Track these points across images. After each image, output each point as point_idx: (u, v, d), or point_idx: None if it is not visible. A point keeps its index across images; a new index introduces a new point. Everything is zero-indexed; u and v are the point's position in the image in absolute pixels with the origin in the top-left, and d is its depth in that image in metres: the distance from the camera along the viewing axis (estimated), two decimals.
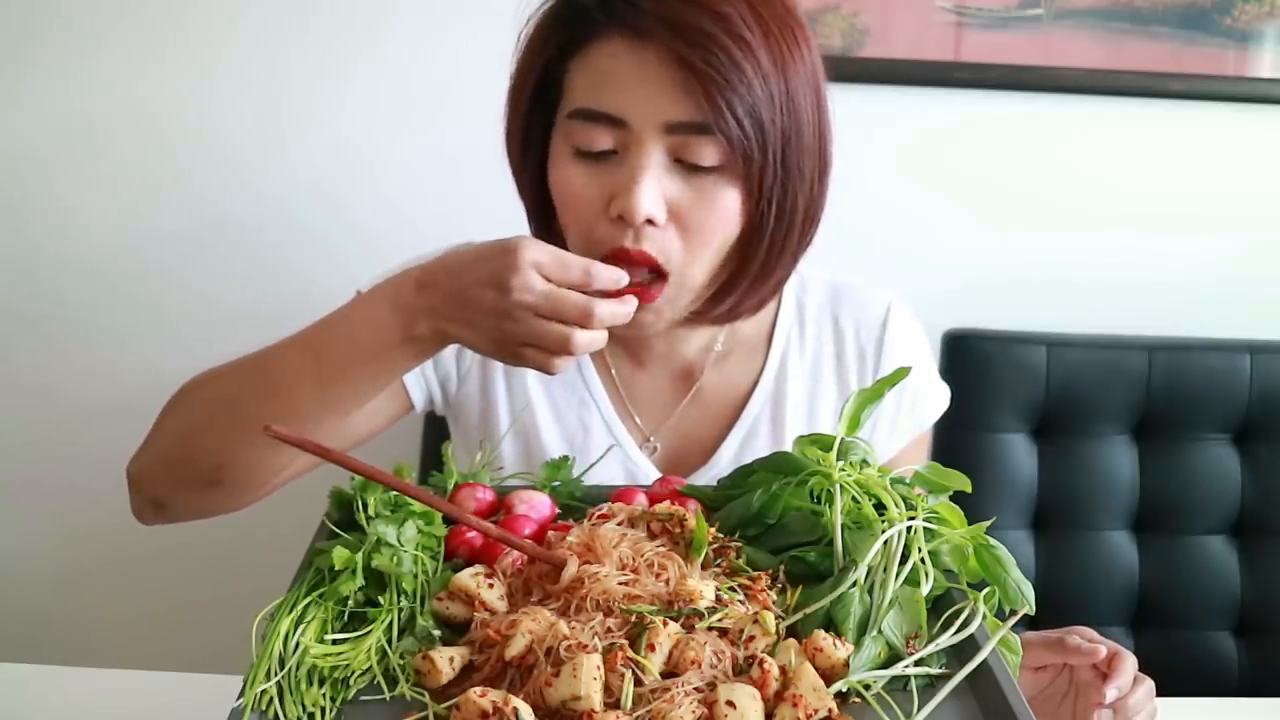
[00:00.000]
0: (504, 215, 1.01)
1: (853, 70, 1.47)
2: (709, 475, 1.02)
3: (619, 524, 0.73)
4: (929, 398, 1.09)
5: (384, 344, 0.81)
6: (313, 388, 0.83)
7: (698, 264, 0.89)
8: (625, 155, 0.86)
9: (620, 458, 1.03)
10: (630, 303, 0.80)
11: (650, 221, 0.85)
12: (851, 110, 1.48)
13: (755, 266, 0.91)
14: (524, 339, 0.78)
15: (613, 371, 1.05)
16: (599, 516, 0.75)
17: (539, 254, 0.77)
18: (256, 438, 0.81)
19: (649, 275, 0.88)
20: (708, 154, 0.85)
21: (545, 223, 0.96)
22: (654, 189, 0.84)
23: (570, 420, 1.04)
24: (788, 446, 1.01)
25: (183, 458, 0.88)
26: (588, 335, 0.78)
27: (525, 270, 0.76)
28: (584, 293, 0.78)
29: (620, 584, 0.66)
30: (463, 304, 0.78)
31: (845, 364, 1.06)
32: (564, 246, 0.94)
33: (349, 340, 0.82)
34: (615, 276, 0.79)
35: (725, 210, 0.87)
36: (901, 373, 0.80)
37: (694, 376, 1.05)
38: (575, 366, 1.05)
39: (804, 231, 0.92)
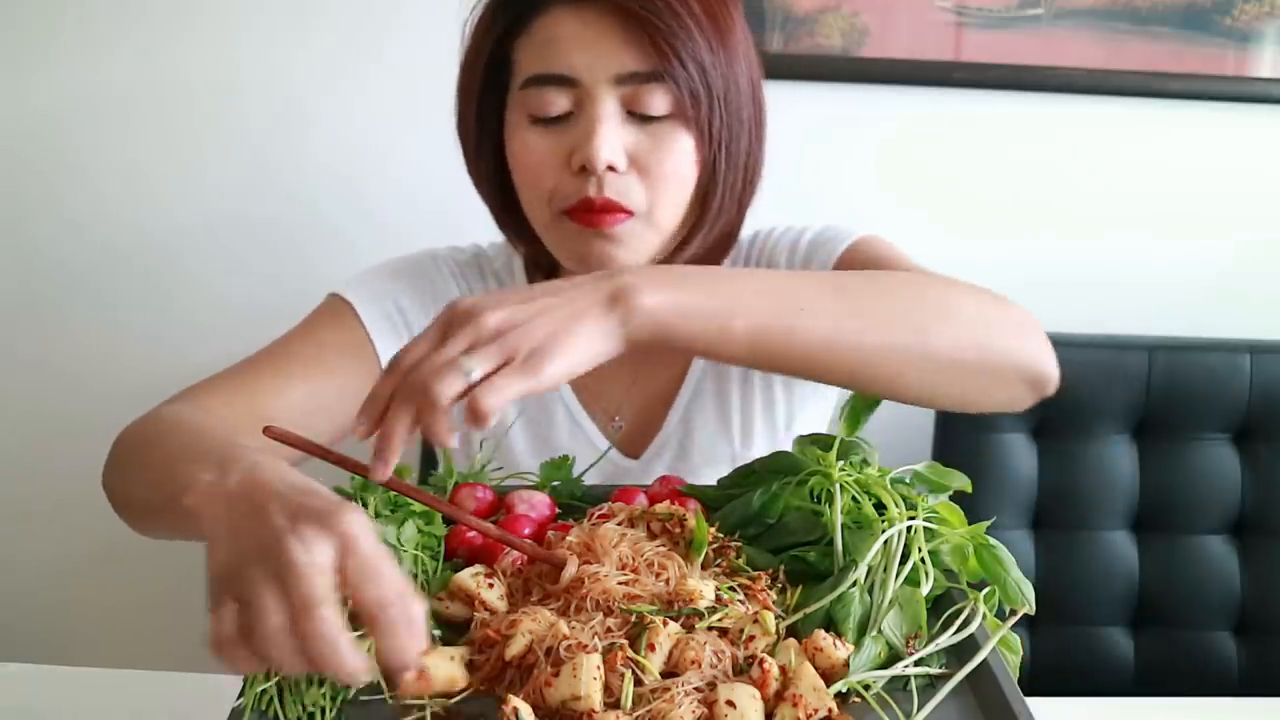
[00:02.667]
0: None
1: (853, 70, 1.47)
2: (662, 440, 1.04)
3: (619, 524, 0.73)
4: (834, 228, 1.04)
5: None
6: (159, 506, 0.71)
7: (662, 205, 0.91)
8: (580, 113, 0.89)
9: (585, 444, 1.04)
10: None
11: (611, 169, 0.88)
12: (851, 110, 1.50)
13: (711, 216, 0.94)
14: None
15: None
16: (599, 516, 0.75)
17: (366, 540, 0.54)
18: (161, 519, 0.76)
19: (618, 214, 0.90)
20: (658, 102, 0.88)
21: (506, 208, 0.98)
22: (613, 135, 0.87)
23: (533, 409, 1.05)
24: (731, 398, 1.04)
25: (108, 487, 0.85)
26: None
27: (337, 529, 0.53)
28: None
29: (620, 584, 0.66)
30: (252, 503, 0.56)
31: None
32: (528, 229, 0.96)
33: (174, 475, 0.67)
34: (407, 612, 0.53)
35: (681, 154, 0.90)
36: None
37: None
38: None
39: (748, 179, 0.96)
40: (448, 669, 0.62)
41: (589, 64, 0.87)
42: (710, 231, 0.96)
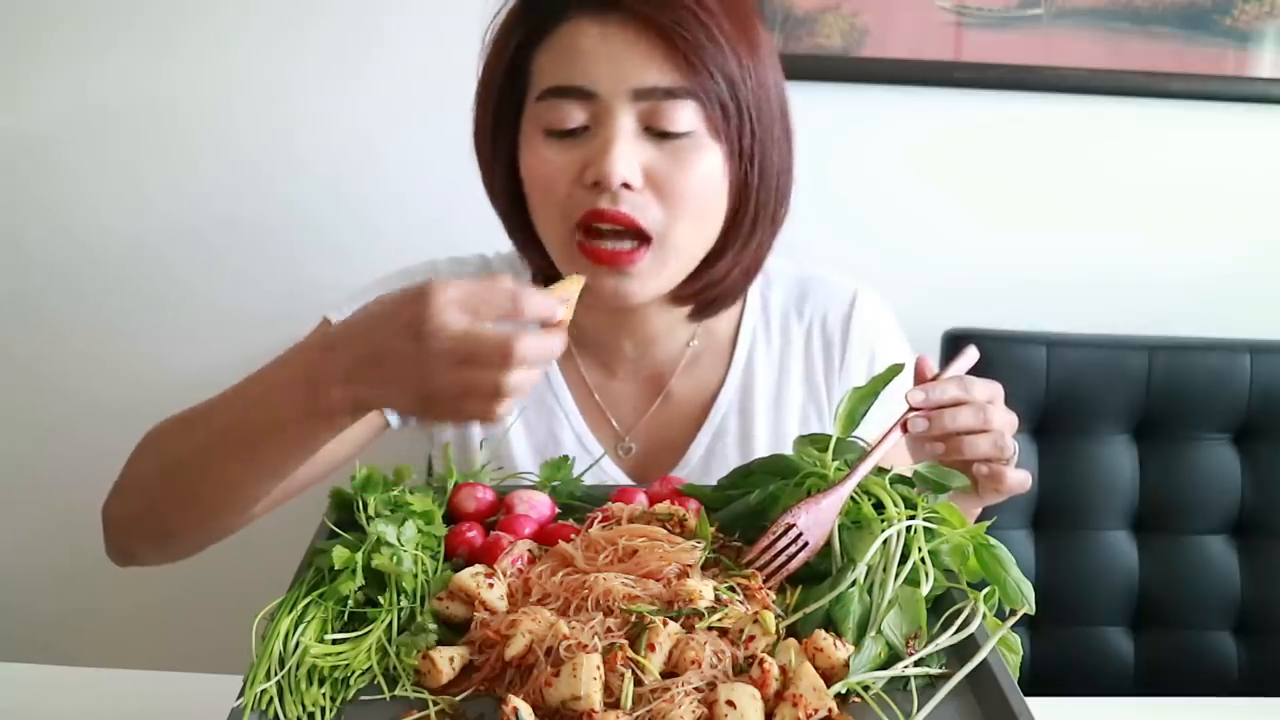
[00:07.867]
0: None
1: (853, 70, 1.46)
2: (681, 473, 1.02)
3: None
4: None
5: (292, 415, 0.73)
6: (237, 456, 0.78)
7: (680, 227, 0.89)
8: (597, 127, 0.87)
9: (590, 463, 1.02)
10: (559, 339, 0.71)
11: (626, 186, 0.86)
12: (851, 110, 1.50)
13: (743, 236, 0.93)
14: (453, 391, 0.68)
15: (585, 378, 1.05)
16: (604, 517, 0.75)
17: (453, 292, 0.67)
18: (194, 502, 0.82)
19: (631, 242, 0.88)
20: (681, 118, 0.86)
21: (519, 218, 0.96)
22: (628, 152, 0.85)
23: (540, 432, 1.04)
24: (755, 442, 1.03)
25: (136, 514, 0.87)
26: (518, 376, 0.67)
27: (439, 313, 0.66)
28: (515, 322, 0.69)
29: (620, 584, 0.66)
30: (376, 363, 0.69)
31: (811, 355, 1.06)
32: (539, 241, 0.95)
33: (264, 407, 0.76)
34: (548, 306, 0.70)
35: (704, 174, 0.88)
36: (895, 369, 0.80)
37: (664, 381, 1.05)
38: (544, 377, 1.03)
39: (780, 197, 0.94)
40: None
41: (608, 76, 0.85)
42: (742, 253, 0.94)
